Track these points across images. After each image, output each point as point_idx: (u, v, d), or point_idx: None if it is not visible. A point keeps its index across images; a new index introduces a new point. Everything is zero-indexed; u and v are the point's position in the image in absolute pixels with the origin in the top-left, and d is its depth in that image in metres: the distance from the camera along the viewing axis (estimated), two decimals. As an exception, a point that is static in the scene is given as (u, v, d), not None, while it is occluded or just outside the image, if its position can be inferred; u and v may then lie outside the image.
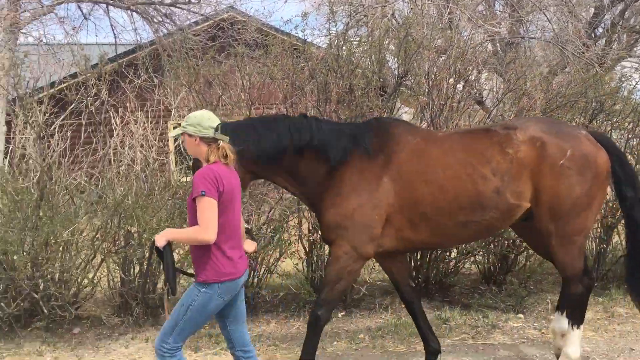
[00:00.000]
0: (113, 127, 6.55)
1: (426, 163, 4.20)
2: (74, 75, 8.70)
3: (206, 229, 3.19)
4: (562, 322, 4.51)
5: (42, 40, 10.18)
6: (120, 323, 5.76)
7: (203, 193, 3.18)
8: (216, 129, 3.36)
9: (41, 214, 5.44)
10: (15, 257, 5.12)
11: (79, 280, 5.77)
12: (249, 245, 3.65)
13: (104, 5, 11.93)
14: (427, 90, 6.06)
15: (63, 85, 7.18)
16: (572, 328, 4.40)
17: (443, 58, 6.78)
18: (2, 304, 5.30)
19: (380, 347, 5.13)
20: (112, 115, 6.60)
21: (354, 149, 4.16)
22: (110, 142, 6.29)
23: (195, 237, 3.25)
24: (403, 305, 4.85)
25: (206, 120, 3.36)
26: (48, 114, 6.10)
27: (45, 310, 5.44)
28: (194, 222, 3.27)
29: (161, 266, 3.78)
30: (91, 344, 5.34)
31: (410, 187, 4.13)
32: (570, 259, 4.32)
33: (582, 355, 4.49)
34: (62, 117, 6.12)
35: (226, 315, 3.50)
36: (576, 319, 4.41)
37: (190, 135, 3.37)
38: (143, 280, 5.77)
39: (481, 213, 4.16)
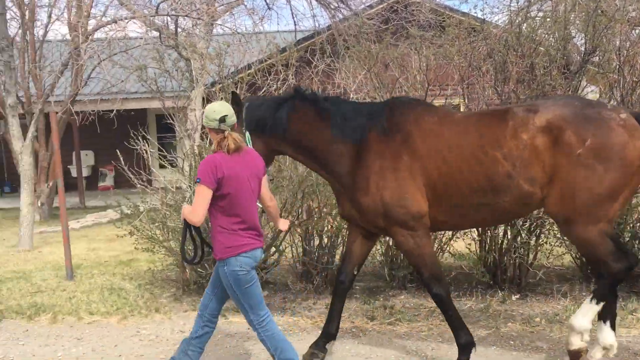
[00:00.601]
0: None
1: (441, 143, 4.15)
2: (262, 62, 9.49)
3: (194, 212, 3.62)
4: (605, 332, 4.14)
5: (235, 31, 11.14)
6: (303, 289, 6.27)
7: (198, 180, 3.58)
8: (221, 120, 3.66)
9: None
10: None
11: (269, 248, 6.38)
12: (283, 224, 4.22)
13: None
14: (617, 67, 5.68)
15: (253, 70, 7.86)
16: (591, 301, 4.08)
17: (637, 31, 6.27)
18: (206, 265, 6.06)
19: (557, 332, 5.01)
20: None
21: (371, 128, 4.24)
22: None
23: (186, 215, 3.70)
24: (583, 293, 4.64)
25: (212, 112, 3.67)
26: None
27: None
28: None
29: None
30: (278, 306, 5.90)
31: (425, 167, 4.12)
32: (593, 245, 3.99)
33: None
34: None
35: (217, 285, 3.87)
36: (598, 295, 4.07)
37: (204, 127, 3.84)
38: (322, 252, 6.23)
39: (493, 197, 4.06)
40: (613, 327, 4.18)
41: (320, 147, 4.33)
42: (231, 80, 7.06)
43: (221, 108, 3.71)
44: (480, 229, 6.05)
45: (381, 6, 13.22)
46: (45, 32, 12.89)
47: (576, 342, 4.13)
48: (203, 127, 4.07)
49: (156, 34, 11.34)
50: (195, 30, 10.87)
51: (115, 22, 9.96)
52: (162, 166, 7.25)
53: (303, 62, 9.23)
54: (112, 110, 12.37)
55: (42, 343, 5.12)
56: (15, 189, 16.91)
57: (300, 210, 6.30)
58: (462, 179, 4.08)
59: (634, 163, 3.88)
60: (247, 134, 4.21)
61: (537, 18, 6.07)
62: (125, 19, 9.82)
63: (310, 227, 6.23)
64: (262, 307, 3.79)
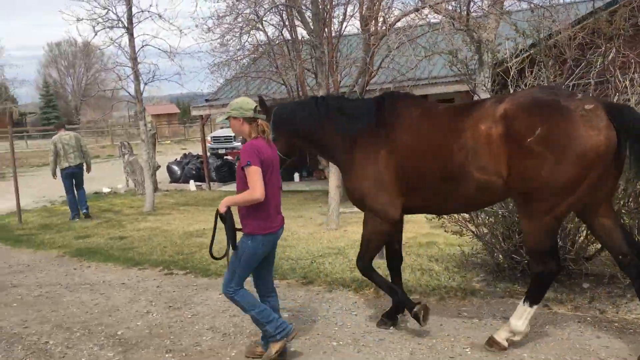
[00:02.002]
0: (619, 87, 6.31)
1: (416, 136, 4.55)
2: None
3: (255, 190, 4.07)
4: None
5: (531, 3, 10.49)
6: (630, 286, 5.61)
7: (249, 163, 4.07)
8: (255, 110, 4.23)
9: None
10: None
11: (587, 237, 5.87)
12: None
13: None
14: None
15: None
16: (524, 303, 4.33)
17: None
18: (521, 251, 5.83)
19: None
20: (617, 75, 6.35)
21: (364, 122, 4.80)
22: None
23: (249, 198, 4.12)
24: None
25: (246, 104, 4.24)
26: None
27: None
28: (242, 187, 4.20)
29: (224, 228, 4.25)
30: (607, 300, 5.38)
31: (400, 159, 4.57)
32: (534, 237, 4.17)
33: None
34: (571, 77, 6.19)
35: (262, 265, 4.39)
36: (530, 297, 4.32)
37: (235, 118, 4.27)
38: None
39: (455, 185, 4.36)
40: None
41: (324, 140, 5.05)
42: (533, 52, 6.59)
43: (251, 100, 4.29)
44: None
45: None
46: (341, 28, 13.89)
47: (503, 336, 4.45)
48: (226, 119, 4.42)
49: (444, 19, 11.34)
50: (488, 11, 10.53)
51: (417, 10, 10.19)
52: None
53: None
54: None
55: (372, 315, 5.48)
56: (311, 173, 18.75)
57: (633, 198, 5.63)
58: (429, 169, 4.45)
59: (589, 156, 3.80)
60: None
61: None
62: (423, 7, 9.99)
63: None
64: (243, 281, 4.33)
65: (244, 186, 4.18)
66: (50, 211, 13.81)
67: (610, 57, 6.09)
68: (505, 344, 4.44)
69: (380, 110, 4.78)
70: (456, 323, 5.16)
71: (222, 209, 4.16)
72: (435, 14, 11.46)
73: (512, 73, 6.06)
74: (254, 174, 4.09)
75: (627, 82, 6.07)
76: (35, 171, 24.96)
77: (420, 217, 10.79)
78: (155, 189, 15.40)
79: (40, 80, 62.05)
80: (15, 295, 6.79)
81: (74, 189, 12.01)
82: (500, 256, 6.17)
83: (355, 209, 11.14)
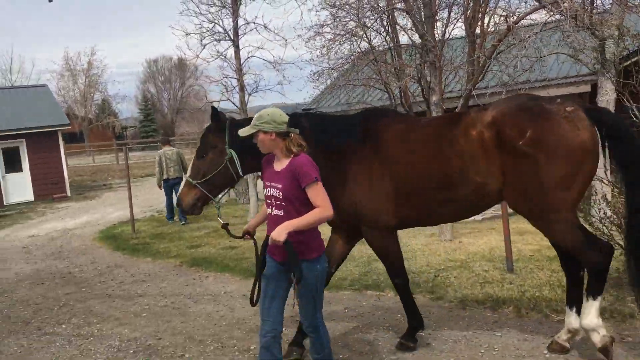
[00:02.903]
0: None
1: (407, 148, 4.58)
2: None
3: (328, 208, 3.65)
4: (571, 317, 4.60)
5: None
6: None
7: (316, 179, 3.63)
8: (288, 124, 3.76)
9: None
10: None
11: None
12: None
13: None
14: None
15: None
16: (588, 299, 4.32)
17: None
18: None
19: None
20: None
21: (348, 137, 4.65)
22: None
23: (321, 217, 3.64)
24: None
25: (279, 116, 3.74)
26: None
27: None
28: (297, 208, 3.66)
29: (289, 258, 3.66)
30: None
31: (393, 171, 4.54)
32: (560, 235, 4.32)
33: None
34: None
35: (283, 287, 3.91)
36: (592, 290, 4.31)
37: (265, 132, 3.73)
38: None
39: (454, 191, 4.46)
40: (579, 312, 4.51)
41: None
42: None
43: (282, 112, 3.85)
44: None
45: None
46: (444, 31, 13.43)
47: (599, 339, 4.28)
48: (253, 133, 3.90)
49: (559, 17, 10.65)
50: (612, 3, 9.75)
51: (544, 7, 9.59)
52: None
53: None
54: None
55: (519, 335, 5.02)
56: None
57: None
58: (426, 178, 4.49)
59: (578, 152, 4.10)
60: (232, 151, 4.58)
61: None
62: (547, 5, 9.36)
63: None
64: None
65: (300, 207, 3.66)
66: (159, 221, 14.19)
67: None
68: (568, 345, 4.61)
69: (366, 124, 4.76)
70: (621, 350, 4.59)
71: (282, 237, 3.53)
72: (553, 13, 10.81)
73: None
74: (322, 190, 3.67)
75: None
76: (138, 182, 26.01)
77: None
78: (258, 198, 15.52)
79: (139, 96, 65.36)
80: (143, 305, 6.86)
81: (173, 196, 13.05)
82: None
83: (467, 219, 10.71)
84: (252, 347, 5.19)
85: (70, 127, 24.56)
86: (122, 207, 17.93)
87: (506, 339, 5.00)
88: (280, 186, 3.70)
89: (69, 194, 22.13)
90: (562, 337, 4.63)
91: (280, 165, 3.77)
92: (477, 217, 11.79)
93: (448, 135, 4.47)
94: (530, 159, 4.14)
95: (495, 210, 12.81)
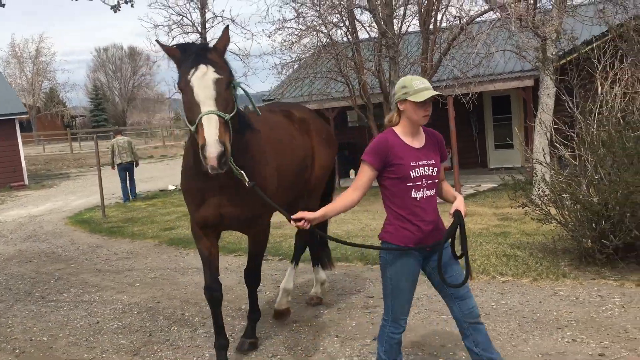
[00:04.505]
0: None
1: (279, 141, 4.81)
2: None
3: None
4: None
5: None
6: None
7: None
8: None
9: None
10: (632, 197, 5.87)
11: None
12: None
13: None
14: None
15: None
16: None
17: None
18: (612, 236, 6.18)
19: None
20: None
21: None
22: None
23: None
24: None
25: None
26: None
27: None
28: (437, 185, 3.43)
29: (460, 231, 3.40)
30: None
31: (275, 163, 4.54)
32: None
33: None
34: None
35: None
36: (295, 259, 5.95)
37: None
38: None
39: (301, 176, 5.13)
40: (324, 267, 6.06)
41: None
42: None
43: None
44: None
45: None
46: (400, 27, 14.31)
47: (284, 302, 5.50)
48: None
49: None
50: (553, 7, 10.82)
51: (492, 9, 10.56)
52: (498, 146, 7.42)
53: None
54: (468, 94, 13.11)
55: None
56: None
57: None
58: (290, 167, 4.80)
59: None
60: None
61: None
62: (495, 7, 10.34)
63: None
64: None
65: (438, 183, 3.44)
66: (126, 207, 14.61)
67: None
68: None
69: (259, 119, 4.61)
70: (554, 300, 5.55)
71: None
72: (501, 16, 11.82)
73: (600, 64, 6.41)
74: None
75: None
76: (95, 171, 26.03)
77: (488, 211, 11.20)
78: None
79: (89, 85, 64.17)
80: (134, 277, 7.47)
81: (127, 180, 15.55)
82: (589, 242, 6.52)
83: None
84: (242, 307, 5.91)
85: (27, 116, 24.37)
86: (83, 195, 18.18)
87: (461, 296, 5.89)
88: (433, 162, 3.36)
89: (27, 182, 22.07)
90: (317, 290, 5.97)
91: (415, 140, 3.37)
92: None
93: (292, 128, 5.22)
94: (326, 149, 5.51)
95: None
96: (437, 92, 3.24)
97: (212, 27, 14.13)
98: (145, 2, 23.70)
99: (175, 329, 5.46)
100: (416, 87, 3.24)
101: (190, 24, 13.05)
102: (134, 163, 15.64)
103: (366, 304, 5.81)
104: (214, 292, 4.46)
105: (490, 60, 14.14)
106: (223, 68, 3.63)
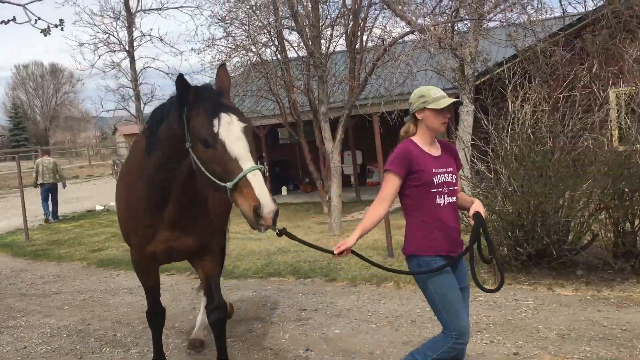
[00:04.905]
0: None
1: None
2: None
3: None
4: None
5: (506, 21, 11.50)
6: (620, 270, 6.47)
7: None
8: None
9: (552, 174, 6.58)
10: (542, 207, 6.35)
11: (580, 229, 6.72)
12: None
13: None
14: None
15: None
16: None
17: None
18: (525, 244, 6.64)
19: None
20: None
21: None
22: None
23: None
24: None
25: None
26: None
27: (554, 253, 6.58)
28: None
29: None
30: (601, 283, 6.21)
31: None
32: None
33: None
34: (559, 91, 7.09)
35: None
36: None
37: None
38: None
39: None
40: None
41: None
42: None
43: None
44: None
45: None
46: (328, 47, 14.71)
47: (201, 334, 5.28)
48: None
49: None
50: (469, 31, 11.48)
51: (412, 32, 11.07)
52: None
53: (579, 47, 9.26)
54: (393, 112, 13.62)
55: (399, 303, 6.20)
56: (297, 187, 19.50)
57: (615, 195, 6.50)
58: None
59: None
60: None
61: None
62: (415, 30, 10.84)
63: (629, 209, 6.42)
64: None
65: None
66: (50, 229, 14.14)
67: (593, 72, 7.01)
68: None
69: None
70: (474, 305, 5.90)
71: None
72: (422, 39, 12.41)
73: (510, 86, 6.92)
74: None
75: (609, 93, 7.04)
76: (17, 192, 24.92)
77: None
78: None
79: (7, 103, 61.41)
80: (62, 300, 7.30)
81: (49, 200, 15.47)
82: (505, 249, 6.96)
83: (346, 217, 12.06)
84: (176, 325, 5.94)
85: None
86: (3, 218, 17.42)
87: (388, 305, 6.17)
88: (451, 169, 3.45)
89: (-60, 206, 20.85)
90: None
91: (433, 149, 3.47)
92: (359, 216, 13.14)
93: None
94: None
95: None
96: (455, 99, 3.36)
97: (140, 45, 14.08)
98: (70, 20, 23.18)
99: (108, 350, 5.42)
100: (434, 95, 3.35)
101: (117, 42, 12.94)
102: (58, 185, 15.53)
103: (299, 317, 5.97)
104: (157, 315, 4.51)
105: (413, 80, 14.79)
106: (241, 113, 3.39)
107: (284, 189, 19.18)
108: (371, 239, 10.02)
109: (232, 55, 14.27)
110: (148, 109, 15.15)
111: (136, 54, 13.15)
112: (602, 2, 12.43)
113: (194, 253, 4.25)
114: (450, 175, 3.41)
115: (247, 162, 3.17)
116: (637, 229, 6.51)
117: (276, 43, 13.89)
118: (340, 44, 14.83)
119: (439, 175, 3.36)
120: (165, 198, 3.85)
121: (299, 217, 14.14)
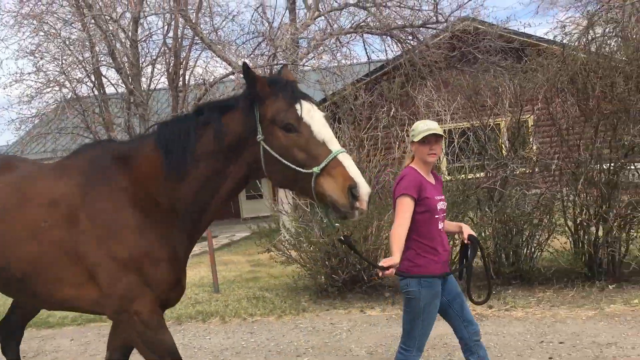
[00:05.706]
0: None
1: None
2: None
3: None
4: None
5: (319, 67, 12.50)
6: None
7: None
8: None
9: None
10: (352, 236, 6.97)
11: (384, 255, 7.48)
12: None
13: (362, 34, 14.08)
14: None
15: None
16: None
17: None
18: (339, 272, 7.21)
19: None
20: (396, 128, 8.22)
21: None
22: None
23: None
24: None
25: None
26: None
27: (365, 278, 7.25)
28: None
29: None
30: (399, 305, 6.93)
31: None
32: None
33: None
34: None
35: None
36: None
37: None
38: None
39: None
40: None
41: None
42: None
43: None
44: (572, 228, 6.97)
45: (445, 35, 14.20)
46: (149, 84, 14.62)
47: None
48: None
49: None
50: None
51: (233, 74, 11.45)
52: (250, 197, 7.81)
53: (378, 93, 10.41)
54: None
55: (225, 337, 6.35)
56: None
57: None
58: None
59: None
60: None
61: (611, 43, 7.01)
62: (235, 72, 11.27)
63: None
64: None
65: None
66: None
67: (391, 114, 7.94)
68: None
69: None
70: (295, 333, 6.28)
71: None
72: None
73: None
74: None
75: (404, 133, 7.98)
76: None
77: (242, 259, 11.91)
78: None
79: None
80: None
81: None
82: (323, 277, 7.49)
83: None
84: None
85: None
86: None
87: (215, 340, 6.29)
88: (443, 197, 3.73)
89: None
90: None
91: (430, 178, 3.69)
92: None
93: None
94: None
95: (203, 247, 14.29)
96: (433, 131, 3.49)
97: None
98: None
99: None
100: (420, 129, 3.54)
101: None
102: None
103: None
104: None
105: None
106: (318, 104, 3.23)
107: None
108: (197, 276, 10.07)
109: (43, 91, 13.55)
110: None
111: None
112: (399, 52, 14.16)
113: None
114: (443, 202, 3.67)
115: (335, 144, 2.97)
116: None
117: (93, 79, 13.48)
118: (162, 82, 14.83)
119: (439, 203, 3.61)
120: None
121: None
